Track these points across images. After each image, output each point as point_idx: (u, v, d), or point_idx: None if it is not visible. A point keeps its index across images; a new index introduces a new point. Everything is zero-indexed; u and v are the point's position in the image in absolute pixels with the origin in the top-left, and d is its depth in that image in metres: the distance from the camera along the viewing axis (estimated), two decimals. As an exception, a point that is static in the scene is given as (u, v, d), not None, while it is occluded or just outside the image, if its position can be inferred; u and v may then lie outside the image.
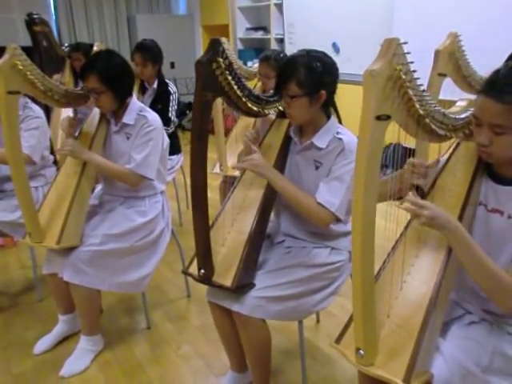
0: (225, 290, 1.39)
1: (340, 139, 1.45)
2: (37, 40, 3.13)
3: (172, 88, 2.91)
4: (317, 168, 1.50)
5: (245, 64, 6.07)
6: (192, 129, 1.30)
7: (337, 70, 1.45)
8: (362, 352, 1.02)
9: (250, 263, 1.43)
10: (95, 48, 2.69)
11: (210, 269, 1.41)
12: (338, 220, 1.45)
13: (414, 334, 1.01)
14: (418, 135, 1.03)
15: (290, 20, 4.92)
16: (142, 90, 2.97)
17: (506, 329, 1.14)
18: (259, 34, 5.67)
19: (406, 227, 1.19)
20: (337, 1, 4.30)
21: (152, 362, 1.87)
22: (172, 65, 6.08)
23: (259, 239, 1.48)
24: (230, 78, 1.32)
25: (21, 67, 1.62)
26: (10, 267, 2.65)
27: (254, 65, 2.78)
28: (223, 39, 1.28)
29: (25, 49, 3.26)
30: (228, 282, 1.38)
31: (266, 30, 5.57)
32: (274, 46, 5.39)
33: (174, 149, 3.01)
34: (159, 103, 2.83)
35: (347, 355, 1.07)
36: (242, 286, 1.39)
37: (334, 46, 4.45)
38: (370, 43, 4.05)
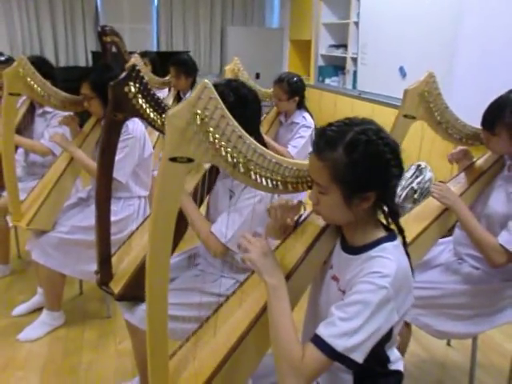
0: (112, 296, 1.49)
1: (247, 172, 1.43)
2: (105, 48, 3.58)
3: None
4: (230, 197, 1.50)
5: (323, 81, 5.95)
6: (100, 145, 1.43)
7: (253, 102, 1.43)
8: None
9: (143, 278, 1.50)
10: (132, 59, 3.00)
11: (108, 275, 1.52)
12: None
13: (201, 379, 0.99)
14: (239, 180, 1.00)
15: (363, 40, 4.76)
16: (178, 99, 3.20)
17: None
18: (339, 52, 5.58)
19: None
20: (407, 26, 4.05)
21: (92, 348, 2.04)
22: (257, 75, 6.30)
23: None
24: (142, 101, 1.40)
25: (22, 74, 1.91)
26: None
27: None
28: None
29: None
30: (116, 289, 1.47)
31: (346, 47, 5.46)
32: (349, 64, 5.27)
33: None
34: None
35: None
36: (128, 296, 1.47)
37: (401, 70, 4.20)
38: (436, 71, 3.73)
